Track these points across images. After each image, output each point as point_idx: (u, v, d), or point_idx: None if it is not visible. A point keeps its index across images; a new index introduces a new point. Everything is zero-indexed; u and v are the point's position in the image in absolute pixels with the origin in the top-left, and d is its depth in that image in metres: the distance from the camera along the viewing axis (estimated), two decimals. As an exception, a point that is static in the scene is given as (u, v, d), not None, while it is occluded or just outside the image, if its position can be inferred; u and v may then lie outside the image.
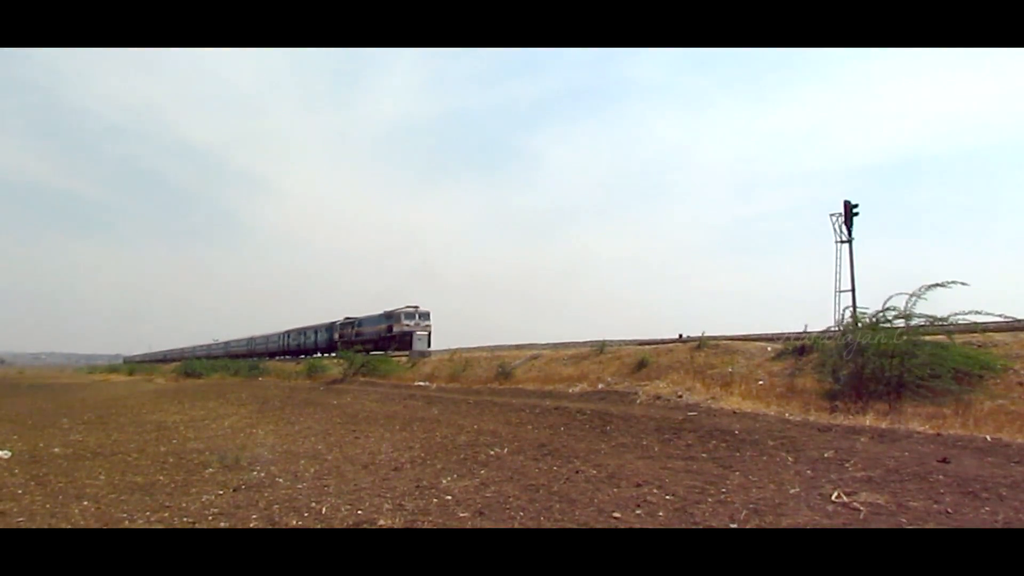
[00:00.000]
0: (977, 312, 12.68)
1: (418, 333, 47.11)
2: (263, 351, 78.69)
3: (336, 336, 58.30)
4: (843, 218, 22.86)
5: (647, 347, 24.98)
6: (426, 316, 48.15)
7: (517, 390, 20.02)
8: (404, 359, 38.94)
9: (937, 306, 12.59)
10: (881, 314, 13.06)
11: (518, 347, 36.23)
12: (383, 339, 48.53)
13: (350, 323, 57.19)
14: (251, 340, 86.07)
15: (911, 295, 12.78)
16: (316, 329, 66.21)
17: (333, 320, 61.19)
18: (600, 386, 17.53)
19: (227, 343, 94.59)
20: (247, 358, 74.16)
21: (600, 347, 26.97)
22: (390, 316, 48.84)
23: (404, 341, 46.49)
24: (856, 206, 22.59)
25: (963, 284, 12.95)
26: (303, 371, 38.27)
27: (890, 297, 13.05)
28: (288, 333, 74.01)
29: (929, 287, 12.67)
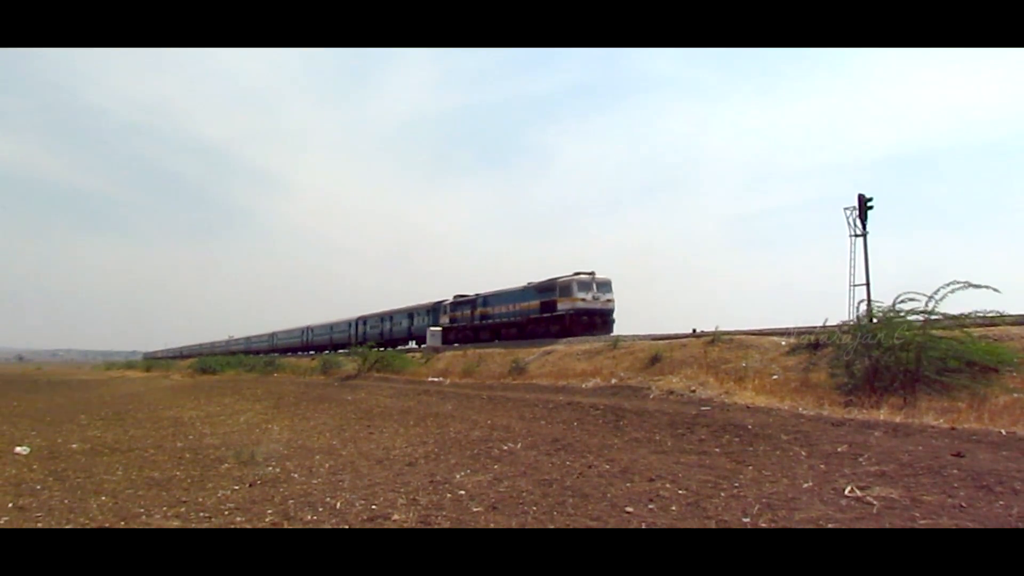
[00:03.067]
0: (996, 313, 12.61)
1: (597, 308, 33.19)
2: (323, 343, 66.50)
3: (447, 320, 44.52)
4: (857, 212, 22.71)
5: (660, 342, 24.90)
6: (606, 287, 33.86)
7: (531, 385, 20.02)
8: (418, 355, 38.92)
9: (953, 300, 12.52)
10: (896, 308, 12.98)
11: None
12: (532, 321, 35.74)
13: (467, 302, 43.14)
14: (307, 331, 74.03)
15: (929, 297, 12.71)
16: (411, 312, 51.68)
17: (437, 300, 47.62)
18: (613, 381, 17.49)
19: (273, 335, 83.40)
20: (300, 351, 68.25)
21: (613, 342, 26.92)
22: (547, 288, 34.93)
23: (577, 321, 32.82)
24: (870, 200, 22.44)
25: (994, 290, 12.86)
26: (317, 367, 38.41)
27: (899, 296, 13.00)
28: (364, 320, 59.72)
29: (953, 289, 12.58)
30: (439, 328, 46.46)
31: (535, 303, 35.82)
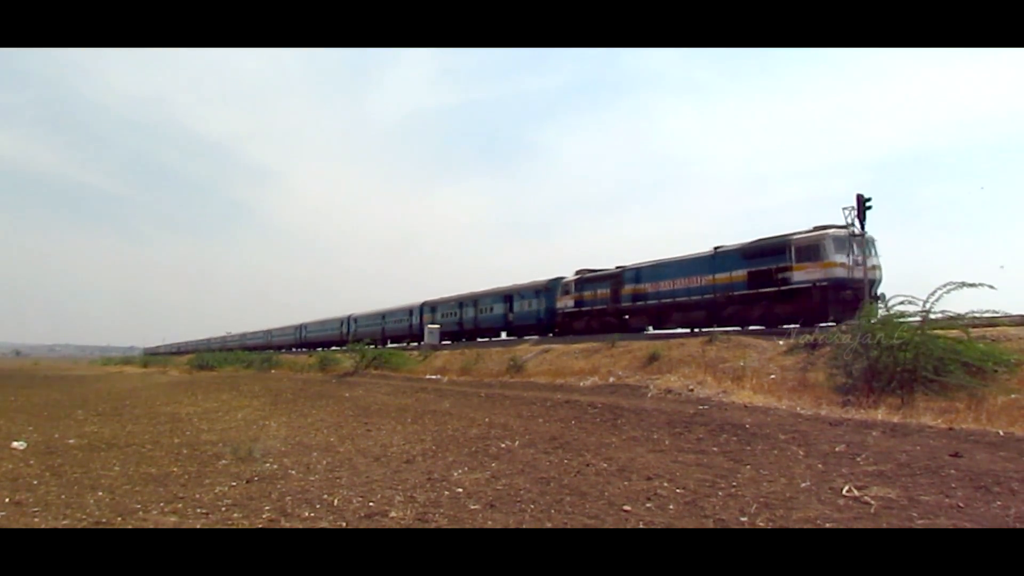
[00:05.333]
0: (994, 313, 12.66)
1: (859, 278, 21.76)
2: (372, 333, 56.36)
3: (569, 302, 34.37)
4: (856, 211, 22.64)
5: (658, 341, 24.91)
6: (870, 246, 22.76)
7: (528, 383, 20.04)
8: (415, 352, 38.80)
9: (953, 300, 12.55)
10: (894, 309, 13.01)
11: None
12: (733, 301, 25.50)
13: (606, 278, 32.50)
14: (346, 321, 64.00)
15: (929, 296, 12.74)
16: (507, 295, 41.06)
17: (553, 278, 37.11)
18: (611, 380, 17.52)
19: (302, 326, 76.08)
20: (335, 345, 57.65)
21: (611, 341, 26.93)
22: (768, 250, 24.32)
23: (830, 299, 21.90)
24: (869, 199, 22.38)
25: (990, 287, 12.89)
26: (315, 364, 38.40)
27: (892, 298, 13.03)
28: (430, 306, 50.37)
29: (950, 289, 12.63)
30: (437, 326, 45.56)
31: (740, 274, 25.22)
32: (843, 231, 22.42)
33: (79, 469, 9.34)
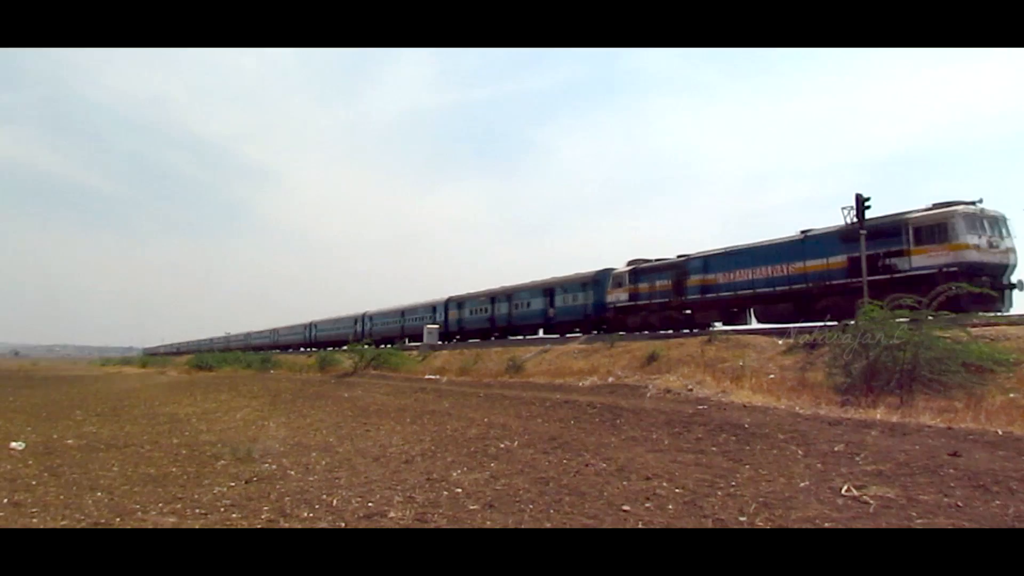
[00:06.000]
0: (990, 312, 12.71)
1: (994, 262, 19.39)
2: (389, 332, 54.06)
3: (623, 295, 31.44)
4: (855, 211, 22.63)
5: (658, 341, 24.92)
6: (1001, 226, 20.09)
7: (527, 383, 20.02)
8: (414, 352, 38.72)
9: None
10: (893, 308, 13.02)
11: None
12: (830, 291, 22.49)
13: (666, 268, 29.77)
14: (361, 319, 60.69)
15: (930, 298, 12.78)
16: (548, 288, 38.14)
17: (602, 269, 34.40)
18: (610, 380, 17.50)
19: (311, 325, 72.62)
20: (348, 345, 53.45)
21: (611, 340, 26.94)
22: (877, 231, 21.20)
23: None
24: (868, 199, 22.38)
25: (990, 291, 12.94)
26: (314, 364, 38.38)
27: (898, 296, 13.05)
28: (456, 302, 47.44)
29: (949, 289, 12.69)
30: (436, 326, 45.38)
31: (839, 260, 22.29)
32: (973, 207, 19.69)
33: (78, 470, 9.33)
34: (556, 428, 11.49)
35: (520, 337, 39.84)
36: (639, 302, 30.60)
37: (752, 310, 26.05)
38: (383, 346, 42.58)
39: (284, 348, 74.30)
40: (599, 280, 34.20)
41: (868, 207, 21.59)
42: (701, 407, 11.82)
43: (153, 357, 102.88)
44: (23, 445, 11.45)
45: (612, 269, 33.38)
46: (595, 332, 33.01)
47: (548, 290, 38.22)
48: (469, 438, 11.12)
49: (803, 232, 24.08)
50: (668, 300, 29.05)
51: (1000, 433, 8.11)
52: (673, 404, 12.57)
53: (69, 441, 12.31)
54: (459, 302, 47.42)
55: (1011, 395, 11.32)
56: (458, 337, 46.62)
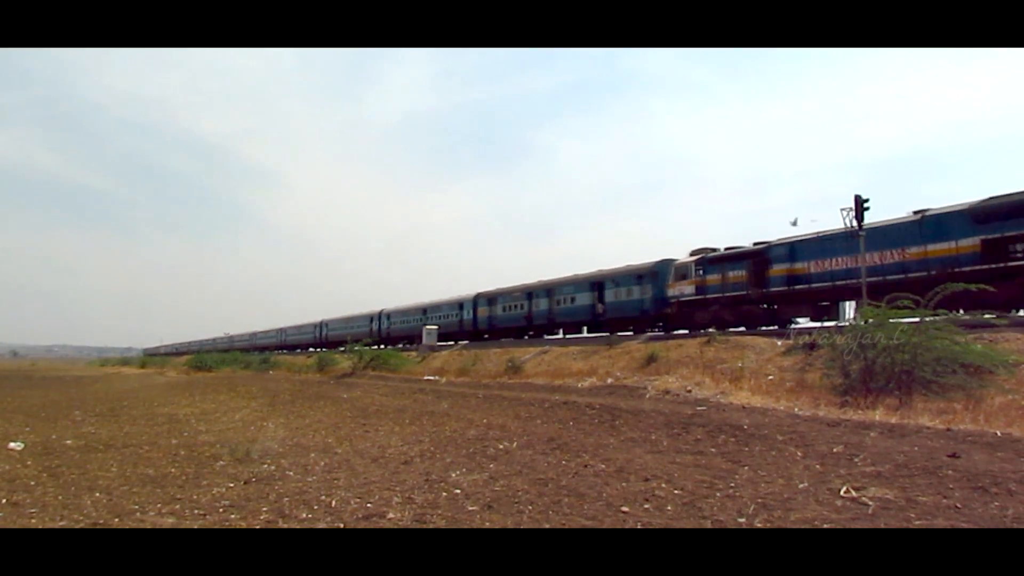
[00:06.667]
0: (990, 313, 12.73)
1: None
2: (409, 331, 51.23)
3: (689, 288, 28.71)
4: (854, 212, 22.64)
5: (657, 342, 24.94)
6: None
7: (526, 385, 20.02)
8: (413, 353, 38.71)
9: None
10: (891, 310, 13.03)
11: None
12: (1008, 276, 18.66)
13: (744, 256, 26.99)
14: (377, 317, 57.33)
15: (929, 297, 12.78)
16: (599, 280, 35.10)
17: (662, 259, 31.55)
18: (609, 381, 17.51)
19: (322, 324, 70.05)
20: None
21: (609, 342, 26.95)
22: (1016, 208, 18.90)
23: None
24: (867, 200, 22.38)
25: (989, 289, 12.92)
26: (313, 365, 38.40)
27: (897, 296, 13.05)
28: (486, 298, 45.03)
29: (948, 288, 12.69)
30: (436, 327, 45.09)
31: (970, 243, 19.61)
32: None
33: (76, 470, 9.32)
34: (555, 429, 11.48)
35: (558, 336, 37.70)
36: (708, 295, 27.73)
37: (854, 303, 22.18)
38: (401, 346, 40.81)
39: (292, 349, 72.15)
40: (657, 272, 31.27)
41: (867, 208, 21.60)
42: (700, 408, 11.82)
43: (152, 358, 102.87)
44: (22, 445, 11.44)
45: (672, 260, 30.76)
46: (653, 330, 31.16)
47: (596, 284, 35.20)
48: (468, 439, 11.12)
49: (919, 212, 21.60)
50: (745, 293, 26.08)
51: (999, 434, 8.11)
52: (672, 405, 12.57)
53: (68, 441, 12.30)
54: (490, 298, 44.70)
55: (1010, 396, 11.34)
56: (486, 336, 44.38)
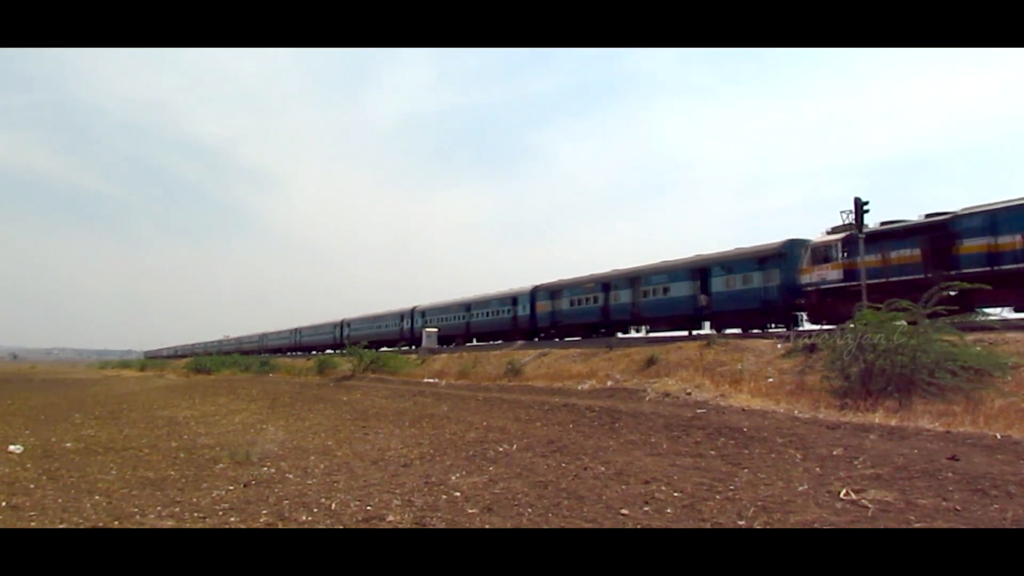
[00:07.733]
0: (988, 315, 12.75)
1: None
2: (449, 329, 47.39)
3: (835, 274, 23.57)
4: (853, 215, 22.66)
5: (656, 345, 24.94)
6: None
7: (526, 387, 19.99)
8: (413, 356, 38.66)
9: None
10: (891, 311, 13.02)
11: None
12: None
13: (901, 234, 22.34)
14: (409, 315, 53.55)
15: (927, 297, 12.80)
16: (704, 266, 29.66)
17: (785, 240, 26.52)
18: (609, 383, 17.49)
19: (343, 323, 65.79)
20: (391, 346, 46.14)
21: (609, 344, 26.94)
22: None
23: None
24: (867, 203, 22.41)
25: (987, 287, 12.91)
26: (313, 367, 38.38)
27: (895, 300, 13.08)
28: (548, 291, 39.91)
29: (946, 289, 12.73)
30: (435, 329, 44.91)
31: None
32: None
33: (76, 473, 9.32)
34: (555, 432, 11.47)
35: (638, 335, 32.62)
36: (846, 283, 22.79)
37: None
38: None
39: (308, 351, 66.48)
40: (784, 255, 25.89)
41: (867, 211, 21.62)
42: (700, 411, 11.80)
43: (152, 360, 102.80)
44: (21, 448, 11.44)
45: (805, 240, 25.46)
46: (777, 326, 26.19)
47: (699, 271, 29.51)
48: (468, 442, 11.11)
49: None
50: (922, 276, 19.92)
51: (999, 437, 8.10)
52: (672, 408, 12.55)
53: (67, 444, 12.30)
54: (552, 291, 39.15)
55: (1010, 399, 11.34)
56: (542, 335, 39.59)
